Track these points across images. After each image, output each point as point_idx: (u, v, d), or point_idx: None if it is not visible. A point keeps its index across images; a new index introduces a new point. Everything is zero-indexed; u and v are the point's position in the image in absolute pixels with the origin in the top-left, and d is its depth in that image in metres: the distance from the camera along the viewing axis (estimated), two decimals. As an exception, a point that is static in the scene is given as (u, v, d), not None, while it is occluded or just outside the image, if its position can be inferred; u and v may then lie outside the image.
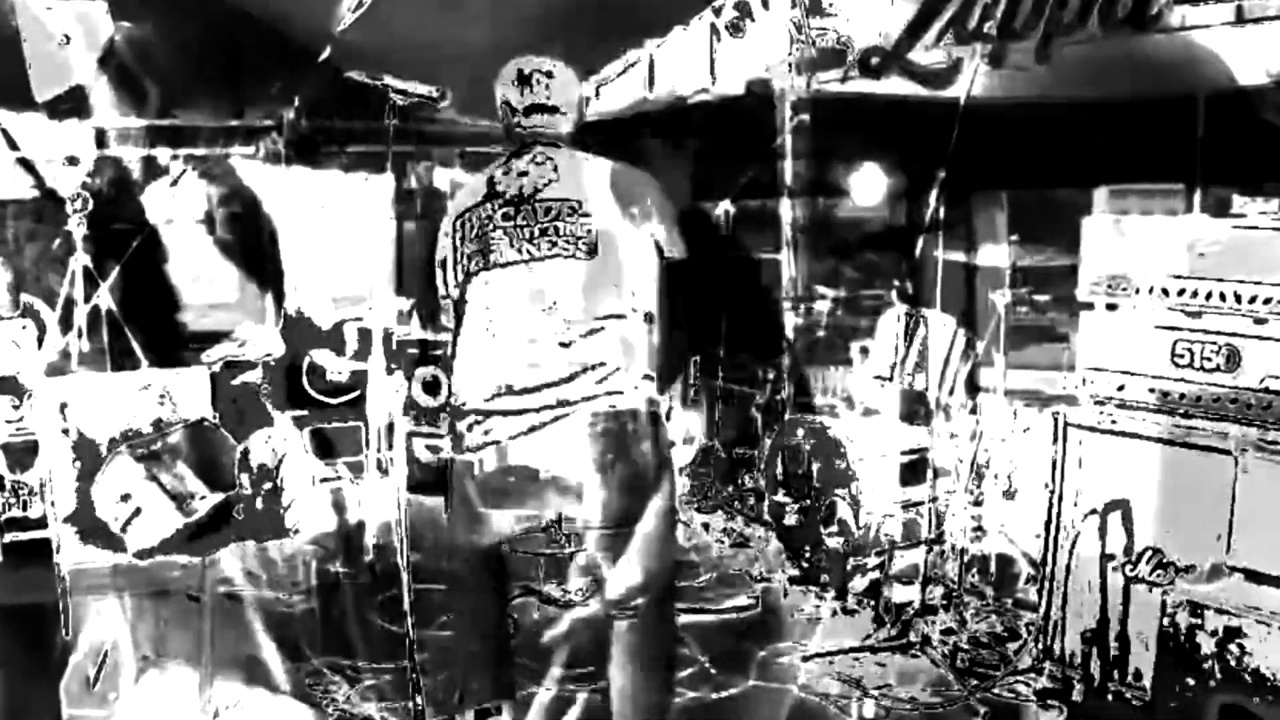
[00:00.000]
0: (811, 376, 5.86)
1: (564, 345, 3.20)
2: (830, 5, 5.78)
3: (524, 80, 3.41)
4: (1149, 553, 3.48)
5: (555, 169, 3.34)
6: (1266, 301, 3.36)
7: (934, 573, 4.43)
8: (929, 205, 4.94)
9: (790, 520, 5.01)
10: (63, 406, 4.98)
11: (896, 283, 5.04)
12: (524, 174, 3.34)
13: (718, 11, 6.40)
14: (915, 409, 5.00)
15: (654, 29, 6.85)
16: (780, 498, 5.08)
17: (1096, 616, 3.59)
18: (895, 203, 6.17)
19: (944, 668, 4.02)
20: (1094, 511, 3.62)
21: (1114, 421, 3.68)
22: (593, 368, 3.20)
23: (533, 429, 3.21)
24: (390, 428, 5.76)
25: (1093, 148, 5.98)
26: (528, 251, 3.24)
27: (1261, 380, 3.37)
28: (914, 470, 4.75)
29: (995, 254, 5.07)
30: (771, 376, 6.01)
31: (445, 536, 3.50)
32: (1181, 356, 3.56)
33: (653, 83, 6.95)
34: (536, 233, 3.26)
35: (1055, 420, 3.81)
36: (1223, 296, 3.46)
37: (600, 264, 3.23)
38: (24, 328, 5.07)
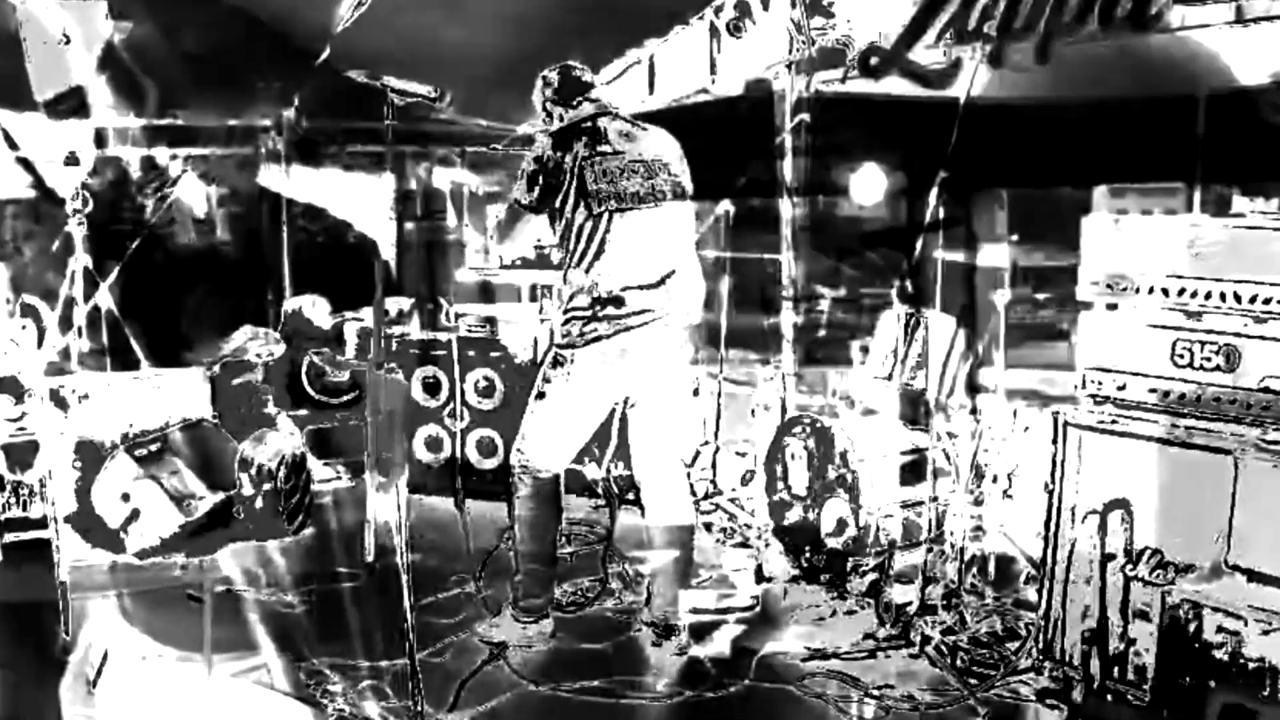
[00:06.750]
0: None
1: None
2: (830, 5, 5.77)
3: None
4: (1149, 553, 3.49)
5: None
6: (1266, 301, 3.35)
7: (934, 573, 4.42)
8: (929, 205, 4.93)
9: (790, 520, 5.01)
10: (64, 406, 4.98)
11: (896, 283, 5.03)
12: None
13: (718, 11, 6.39)
14: (915, 409, 5.00)
15: (654, 29, 6.84)
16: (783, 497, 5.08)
17: (1096, 616, 3.59)
18: (895, 202, 6.16)
19: (944, 668, 4.02)
20: (1094, 511, 3.62)
21: (1114, 421, 3.68)
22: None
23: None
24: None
25: (1093, 148, 5.98)
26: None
27: (1261, 380, 3.37)
28: (914, 470, 4.75)
29: (995, 254, 5.06)
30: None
31: None
32: (1181, 356, 3.56)
33: (653, 83, 6.94)
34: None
35: (1055, 420, 3.81)
36: (1223, 296, 3.45)
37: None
38: (24, 328, 5.07)
